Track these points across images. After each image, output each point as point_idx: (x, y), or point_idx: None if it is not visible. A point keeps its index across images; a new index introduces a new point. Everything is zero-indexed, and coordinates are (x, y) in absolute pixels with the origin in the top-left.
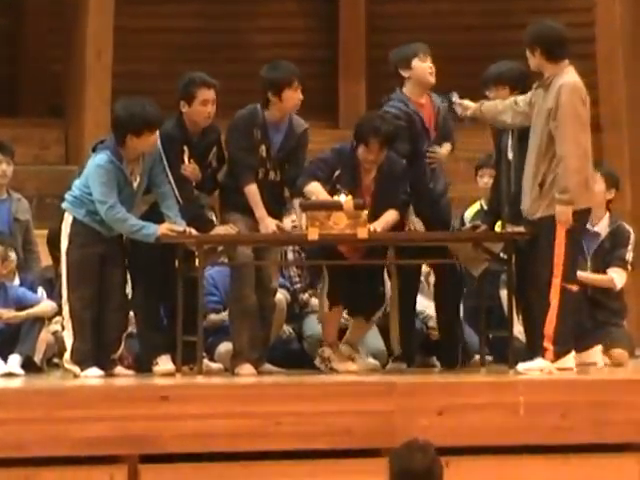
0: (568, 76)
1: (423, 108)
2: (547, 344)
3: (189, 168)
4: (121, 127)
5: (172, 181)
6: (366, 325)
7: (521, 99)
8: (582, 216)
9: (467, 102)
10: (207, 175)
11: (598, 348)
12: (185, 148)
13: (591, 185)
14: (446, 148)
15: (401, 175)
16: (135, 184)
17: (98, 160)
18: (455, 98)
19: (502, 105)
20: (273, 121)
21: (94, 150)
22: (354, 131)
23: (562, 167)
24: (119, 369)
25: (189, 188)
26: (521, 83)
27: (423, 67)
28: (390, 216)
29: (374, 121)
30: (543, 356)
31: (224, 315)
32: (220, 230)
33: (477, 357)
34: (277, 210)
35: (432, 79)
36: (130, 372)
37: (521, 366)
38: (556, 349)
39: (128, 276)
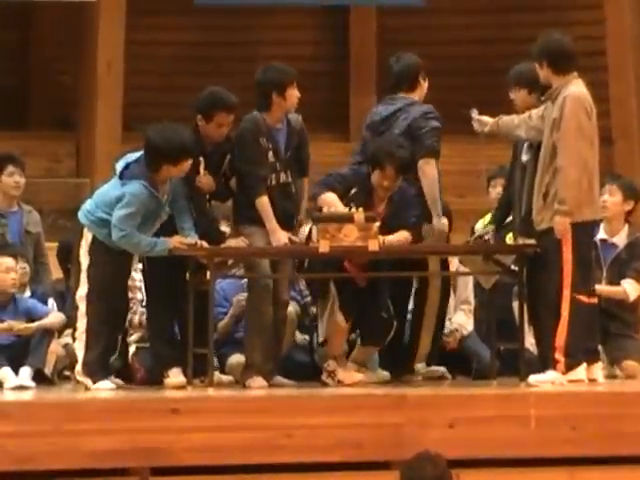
0: (574, 88)
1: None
2: (558, 356)
3: (204, 179)
4: (158, 155)
5: (186, 193)
6: (374, 349)
7: (534, 112)
8: (586, 228)
9: (485, 118)
10: (221, 184)
11: (599, 365)
12: (201, 159)
13: (596, 198)
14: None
15: (412, 201)
16: (163, 201)
17: (134, 189)
18: (475, 114)
19: (518, 119)
20: (274, 124)
21: (121, 176)
22: (370, 155)
23: (561, 178)
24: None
25: (203, 200)
26: (539, 85)
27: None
28: (402, 235)
29: (389, 147)
30: (554, 368)
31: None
32: (231, 243)
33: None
34: (288, 209)
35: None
36: (120, 382)
37: (532, 378)
38: (567, 361)
39: (140, 284)
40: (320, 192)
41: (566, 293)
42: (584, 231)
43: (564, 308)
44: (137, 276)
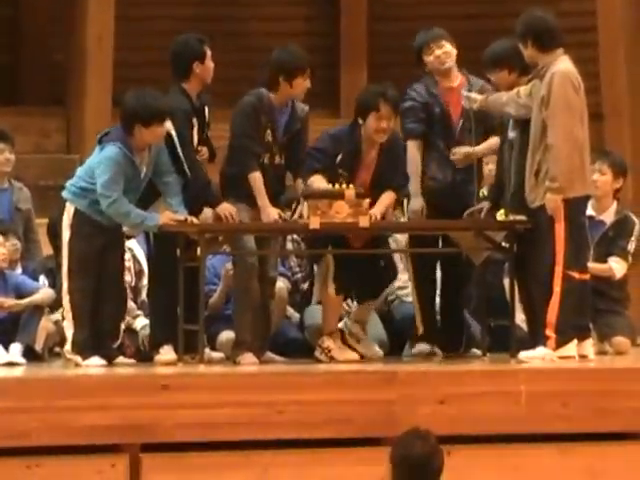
0: (561, 64)
1: (451, 93)
2: (549, 332)
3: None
4: (130, 117)
5: (182, 156)
6: (373, 302)
7: (522, 90)
8: (578, 204)
9: (475, 95)
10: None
11: (589, 341)
12: (195, 121)
13: (587, 173)
14: (466, 149)
15: (401, 155)
16: (142, 174)
17: (109, 152)
18: (464, 91)
19: (506, 97)
20: (278, 105)
21: (100, 142)
22: (357, 106)
23: (552, 155)
24: (121, 358)
25: (198, 163)
26: (518, 62)
27: (429, 60)
28: (387, 199)
29: (378, 87)
30: (545, 344)
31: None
32: (224, 208)
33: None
34: (280, 192)
35: (443, 66)
36: (131, 361)
37: (523, 354)
38: (558, 337)
39: (129, 264)
40: (305, 177)
41: (558, 269)
42: (577, 207)
43: (556, 284)
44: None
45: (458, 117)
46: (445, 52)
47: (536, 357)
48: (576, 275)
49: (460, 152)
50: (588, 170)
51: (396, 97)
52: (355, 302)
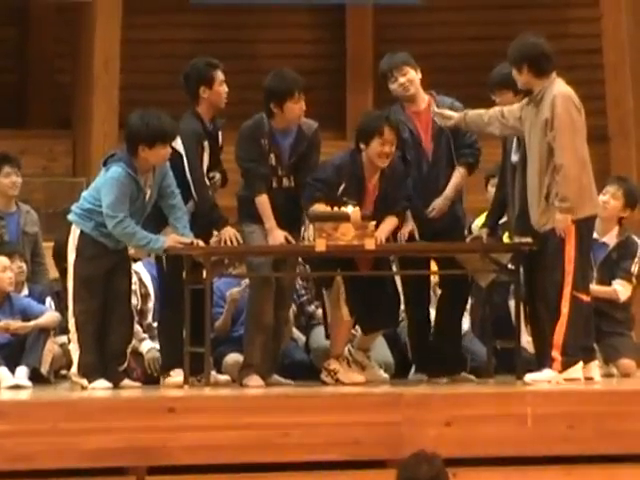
0: (559, 87)
1: (419, 116)
2: (555, 354)
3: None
4: (134, 138)
5: (190, 178)
6: (379, 333)
7: (507, 111)
8: (587, 224)
9: (448, 112)
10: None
11: (595, 363)
12: (206, 144)
13: (595, 193)
14: (438, 202)
15: (403, 177)
16: (147, 196)
17: (113, 173)
18: (434, 109)
19: (487, 116)
20: (280, 129)
21: (105, 164)
22: (360, 131)
23: (561, 175)
24: (126, 381)
25: (205, 187)
26: None
27: (393, 87)
28: (390, 224)
29: (381, 112)
30: (551, 366)
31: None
32: (226, 232)
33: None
34: (295, 216)
35: (407, 93)
36: (137, 384)
37: (529, 377)
38: (564, 359)
39: (135, 287)
40: (306, 206)
41: (567, 291)
42: (586, 227)
43: (564, 306)
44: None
45: (429, 140)
46: (408, 79)
47: (542, 379)
48: (584, 297)
49: (436, 204)
50: (595, 190)
51: (397, 122)
52: (360, 331)
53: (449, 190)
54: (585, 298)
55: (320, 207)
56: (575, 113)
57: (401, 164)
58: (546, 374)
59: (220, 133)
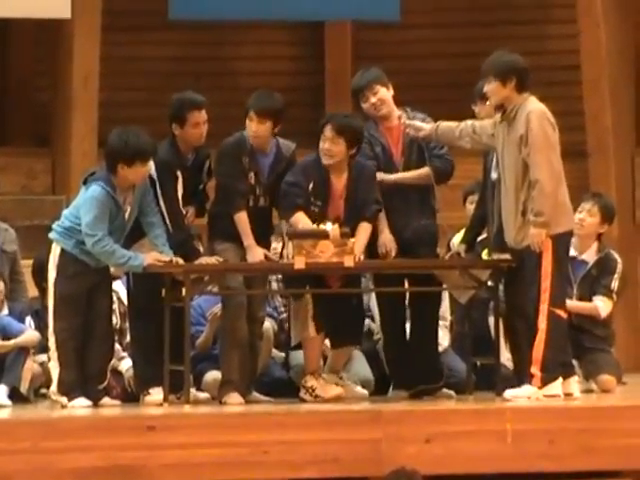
0: (533, 104)
1: (391, 132)
2: (534, 370)
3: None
4: (113, 155)
5: (163, 207)
6: (348, 351)
7: (480, 127)
8: (564, 239)
9: (418, 123)
10: (201, 195)
11: (574, 379)
12: (179, 173)
13: (570, 208)
14: (395, 176)
15: (371, 178)
16: (126, 214)
17: (92, 191)
18: (405, 120)
19: (459, 130)
20: (260, 148)
21: (85, 182)
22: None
23: (537, 191)
24: (106, 400)
25: (180, 216)
26: None
27: (365, 107)
28: (364, 232)
29: (332, 112)
30: (530, 382)
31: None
32: (206, 260)
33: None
34: (266, 235)
35: (379, 113)
36: (117, 402)
37: (508, 393)
38: (543, 375)
39: (115, 306)
40: (287, 215)
41: (543, 307)
42: (562, 242)
43: (542, 322)
44: None
45: (399, 154)
46: (379, 99)
47: (521, 395)
48: (561, 313)
49: (389, 178)
50: (570, 205)
51: (344, 121)
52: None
53: (407, 174)
54: (562, 314)
55: (301, 217)
56: (549, 129)
57: (370, 167)
58: (525, 390)
59: (207, 163)
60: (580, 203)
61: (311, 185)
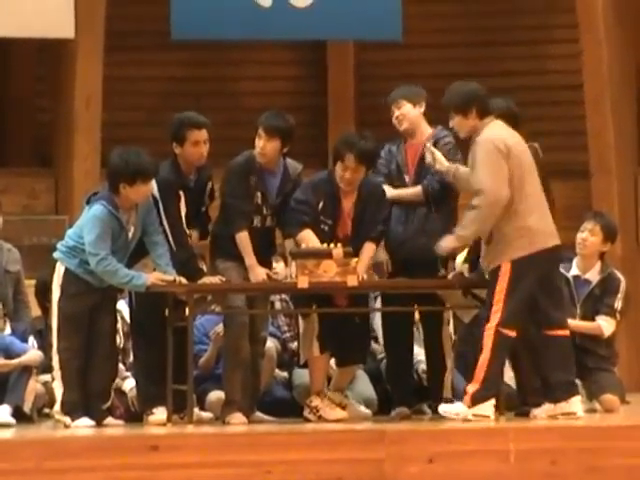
0: (486, 131)
1: (412, 149)
2: (469, 387)
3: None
4: (115, 175)
5: (167, 227)
6: (353, 369)
7: None
8: (524, 262)
9: (439, 156)
10: (204, 216)
11: (577, 398)
12: (181, 193)
13: (537, 232)
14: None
15: (381, 199)
16: (130, 233)
17: (94, 211)
18: (429, 144)
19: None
20: (268, 167)
21: (88, 202)
22: (333, 150)
23: (471, 214)
24: (109, 419)
25: (183, 235)
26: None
27: (393, 121)
28: (368, 252)
29: (350, 137)
30: (462, 399)
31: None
32: (209, 280)
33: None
34: (268, 253)
35: (400, 127)
36: (120, 422)
37: (441, 408)
38: (475, 395)
39: (118, 325)
40: (295, 232)
41: (489, 326)
42: (522, 266)
43: (487, 341)
44: None
45: (413, 173)
46: (402, 114)
47: (452, 412)
48: (510, 332)
49: (388, 194)
50: (540, 228)
51: (365, 148)
52: (335, 368)
53: (402, 191)
54: (510, 333)
55: (308, 235)
56: (495, 158)
57: (379, 187)
58: (456, 407)
59: (209, 185)
60: (583, 222)
61: (321, 204)
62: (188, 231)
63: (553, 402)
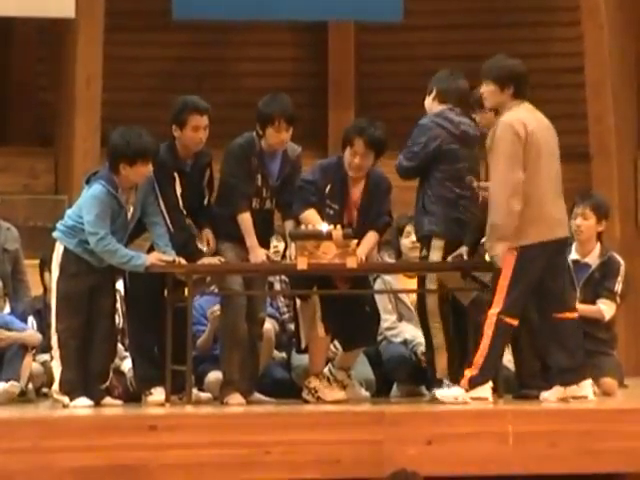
0: (509, 115)
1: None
2: (467, 372)
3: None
4: (116, 155)
5: (163, 208)
6: (359, 351)
7: None
8: (531, 251)
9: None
10: (202, 203)
11: (588, 382)
12: (176, 175)
13: (546, 217)
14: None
15: (387, 191)
16: (129, 213)
17: (93, 190)
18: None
19: None
20: (269, 150)
21: (88, 181)
22: (343, 135)
23: (491, 203)
24: (108, 399)
25: (181, 216)
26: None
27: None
28: (371, 240)
29: (361, 123)
30: (459, 383)
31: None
32: (209, 261)
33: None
34: (267, 237)
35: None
36: (119, 402)
37: (438, 393)
38: (472, 378)
39: (117, 305)
40: (300, 211)
41: (492, 313)
42: (529, 254)
43: (488, 328)
44: None
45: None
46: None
47: (449, 396)
48: (512, 321)
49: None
50: (548, 215)
51: (376, 135)
52: (341, 349)
53: None
54: (513, 322)
55: (311, 214)
56: (511, 142)
57: (386, 180)
58: (454, 391)
59: (207, 172)
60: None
61: (328, 187)
62: (203, 232)
63: (564, 385)
